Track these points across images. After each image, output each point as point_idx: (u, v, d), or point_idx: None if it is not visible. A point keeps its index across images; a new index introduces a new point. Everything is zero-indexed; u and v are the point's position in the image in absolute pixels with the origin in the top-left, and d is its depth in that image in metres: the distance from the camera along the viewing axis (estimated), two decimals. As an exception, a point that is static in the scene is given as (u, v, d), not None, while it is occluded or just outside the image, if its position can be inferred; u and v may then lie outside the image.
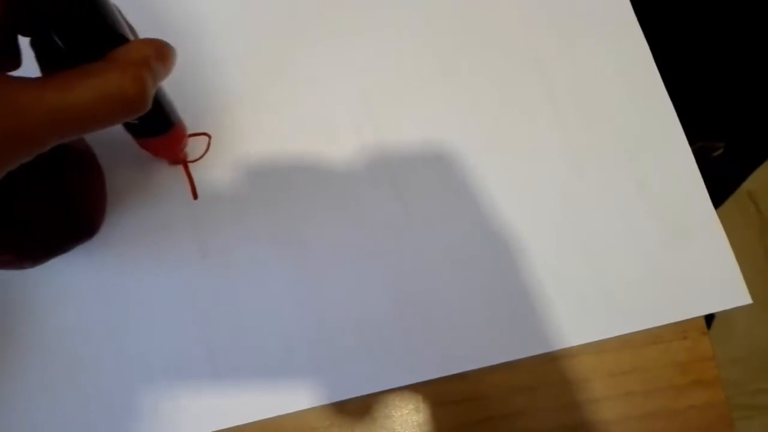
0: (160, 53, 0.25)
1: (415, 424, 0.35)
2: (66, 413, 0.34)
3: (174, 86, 0.32)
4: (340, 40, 0.40)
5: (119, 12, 0.26)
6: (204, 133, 0.38)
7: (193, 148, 0.37)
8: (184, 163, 0.37)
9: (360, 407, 0.35)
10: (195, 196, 0.37)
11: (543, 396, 0.36)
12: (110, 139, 0.36)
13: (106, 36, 0.25)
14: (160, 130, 0.32)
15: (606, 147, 0.38)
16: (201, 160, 0.37)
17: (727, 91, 1.06)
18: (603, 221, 0.37)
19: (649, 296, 0.36)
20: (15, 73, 0.23)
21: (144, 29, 0.28)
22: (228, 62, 0.39)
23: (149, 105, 0.24)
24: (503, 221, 0.37)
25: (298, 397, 0.35)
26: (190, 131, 0.36)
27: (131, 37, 0.26)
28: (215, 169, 0.37)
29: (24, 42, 0.25)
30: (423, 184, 0.37)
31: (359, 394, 0.35)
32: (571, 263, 0.36)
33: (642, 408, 0.36)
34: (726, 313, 0.36)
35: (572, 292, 0.36)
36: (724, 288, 0.36)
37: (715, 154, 1.09)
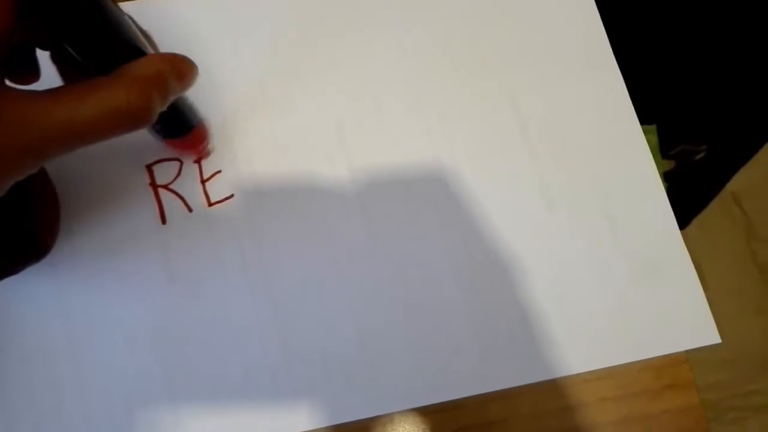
0: (177, 69, 0.26)
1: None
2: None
3: None
4: (317, 67, 0.40)
5: (133, 21, 0.26)
6: (175, 159, 0.38)
7: (164, 171, 0.38)
8: (154, 186, 0.37)
9: None
10: (164, 220, 0.37)
11: (518, 404, 0.36)
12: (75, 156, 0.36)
13: (119, 47, 0.25)
14: (181, 132, 0.33)
15: (579, 182, 0.39)
16: (171, 184, 0.38)
17: (708, 93, 1.07)
18: (574, 256, 0.37)
19: (617, 333, 0.36)
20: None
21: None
22: (206, 87, 0.39)
23: (153, 119, 0.25)
24: (474, 254, 0.37)
25: (256, 427, 0.34)
26: (162, 155, 0.36)
27: (146, 46, 0.26)
28: (185, 193, 0.38)
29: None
30: (393, 213, 0.38)
31: (319, 426, 0.35)
32: (541, 298, 0.37)
33: (616, 413, 0.36)
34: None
35: (540, 326, 0.36)
36: (694, 326, 0.36)
37: (698, 156, 1.10)
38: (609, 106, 0.40)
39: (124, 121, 0.23)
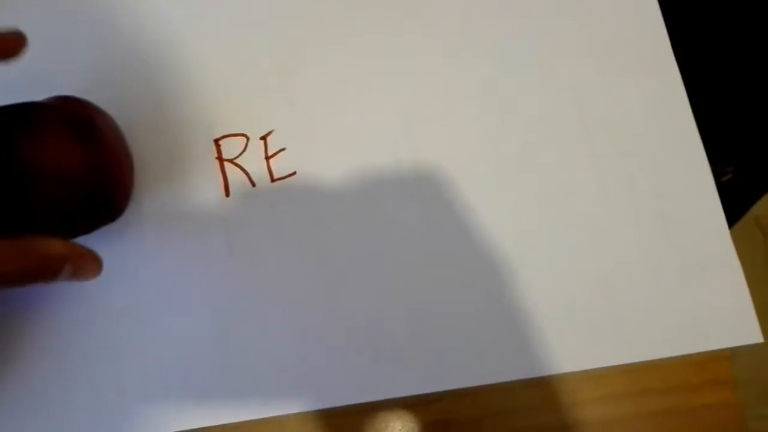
0: (78, 262, 0.29)
1: None
2: (78, 397, 0.35)
3: (219, 83, 0.34)
4: (383, 56, 0.42)
5: None
6: (242, 134, 0.39)
7: (231, 146, 0.39)
8: (221, 160, 0.39)
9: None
10: (227, 193, 0.39)
11: (561, 390, 0.37)
12: (146, 126, 0.38)
13: None
14: None
15: (634, 179, 0.40)
16: (237, 159, 0.39)
17: (738, 114, 1.07)
18: (625, 250, 0.38)
19: (661, 327, 0.37)
20: None
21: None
22: (271, 71, 0.41)
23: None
24: (527, 245, 0.38)
25: (303, 397, 0.36)
26: (231, 131, 0.38)
27: None
28: (250, 168, 0.39)
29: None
30: (450, 200, 0.39)
31: (346, 403, 0.36)
32: (591, 290, 0.38)
33: (657, 405, 0.37)
34: (735, 356, 0.38)
35: (586, 317, 0.37)
36: (737, 325, 0.37)
37: (725, 178, 1.11)
38: (666, 104, 0.41)
39: (11, 283, 0.27)
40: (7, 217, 0.30)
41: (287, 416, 0.36)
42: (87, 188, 0.32)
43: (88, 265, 0.30)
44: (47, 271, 0.28)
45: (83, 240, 0.34)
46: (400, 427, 0.36)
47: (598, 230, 0.39)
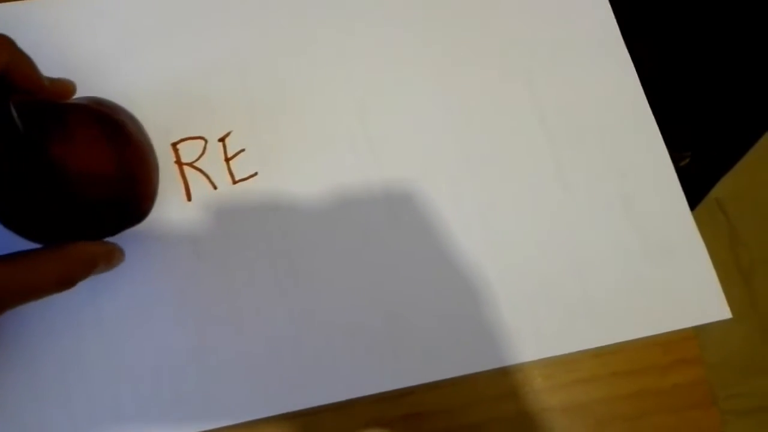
0: (108, 256, 0.32)
1: None
2: (50, 405, 0.35)
3: (174, 86, 0.34)
4: (338, 49, 0.42)
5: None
6: (200, 137, 0.39)
7: (189, 150, 0.39)
8: (180, 164, 0.38)
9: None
10: (189, 197, 0.38)
11: (533, 376, 0.37)
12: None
13: None
14: None
15: (593, 163, 0.40)
16: (197, 162, 0.38)
17: (694, 99, 1.09)
18: (588, 235, 0.39)
19: (630, 309, 0.38)
20: None
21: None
22: (226, 72, 0.40)
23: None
24: (491, 232, 0.38)
25: (279, 397, 0.35)
26: (188, 134, 0.37)
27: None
28: (210, 171, 0.38)
29: None
30: (414, 193, 0.39)
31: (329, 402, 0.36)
32: (555, 274, 0.38)
33: (628, 387, 0.37)
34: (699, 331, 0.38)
35: (556, 303, 0.37)
36: (705, 302, 0.38)
37: (682, 163, 1.13)
38: (621, 90, 0.42)
39: (58, 288, 0.29)
40: (39, 216, 0.30)
41: (262, 420, 0.35)
42: (117, 189, 0.31)
43: (117, 257, 0.33)
44: (86, 271, 0.30)
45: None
46: (373, 422, 0.36)
47: (561, 218, 0.39)
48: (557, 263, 0.38)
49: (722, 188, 1.12)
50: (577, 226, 0.39)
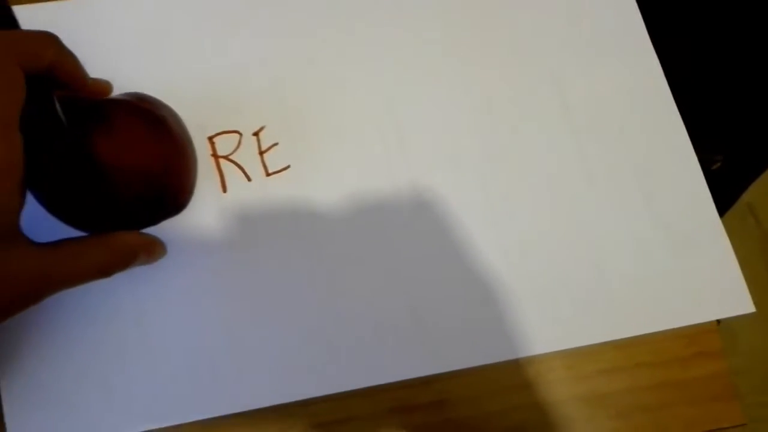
0: (149, 250, 0.33)
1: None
2: (87, 389, 0.36)
3: (211, 82, 0.37)
4: (367, 48, 0.43)
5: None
6: (235, 131, 0.40)
7: (225, 143, 0.40)
8: (216, 157, 0.40)
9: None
10: (224, 189, 0.39)
11: (556, 366, 0.38)
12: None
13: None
14: None
15: (618, 160, 0.41)
16: (232, 155, 0.40)
17: (725, 103, 1.09)
18: (612, 228, 0.40)
19: (652, 301, 0.38)
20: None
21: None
22: (261, 69, 0.42)
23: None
24: (517, 227, 0.40)
25: (309, 385, 0.37)
26: (224, 129, 0.39)
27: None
28: (245, 164, 0.40)
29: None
30: (441, 188, 0.40)
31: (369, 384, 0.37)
32: (580, 267, 0.39)
33: (651, 379, 0.38)
34: (729, 326, 0.39)
35: (579, 295, 0.38)
36: (728, 296, 0.39)
37: (714, 167, 1.12)
38: (647, 87, 0.43)
39: (99, 276, 0.30)
40: (82, 206, 0.31)
41: (292, 403, 0.37)
42: (158, 182, 0.33)
43: (158, 251, 0.34)
44: (127, 262, 0.31)
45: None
46: (399, 408, 0.37)
47: (587, 212, 0.40)
48: (581, 256, 0.39)
49: (754, 192, 1.10)
50: (601, 220, 0.40)
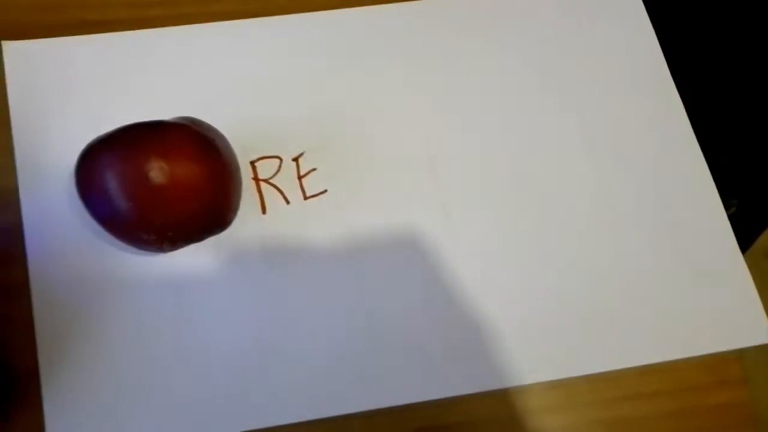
0: None
1: None
2: (128, 399, 0.37)
3: (254, 110, 0.40)
4: (405, 81, 0.45)
5: None
6: (276, 156, 0.42)
7: (266, 168, 0.42)
8: (257, 180, 0.42)
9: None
10: (264, 210, 0.41)
11: (581, 392, 0.39)
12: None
13: None
14: None
15: (640, 191, 0.43)
16: (272, 179, 0.42)
17: (741, 149, 1.10)
18: (636, 258, 0.41)
19: (673, 329, 0.40)
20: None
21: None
22: (301, 97, 0.44)
23: None
24: (539, 254, 0.41)
25: (339, 401, 0.38)
26: (265, 154, 0.41)
27: None
28: (284, 187, 0.42)
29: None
30: (470, 213, 0.42)
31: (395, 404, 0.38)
32: (604, 297, 0.40)
33: (673, 405, 0.39)
34: (749, 355, 0.40)
35: (602, 322, 0.40)
36: (748, 325, 0.40)
37: (729, 211, 1.13)
38: (668, 121, 0.45)
39: None
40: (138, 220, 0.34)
41: (322, 419, 0.38)
42: (208, 201, 0.35)
43: None
44: None
45: (128, 257, 0.38)
46: (425, 428, 0.38)
47: (611, 243, 0.41)
48: (604, 285, 0.40)
49: (770, 238, 1.11)
50: (623, 250, 0.41)
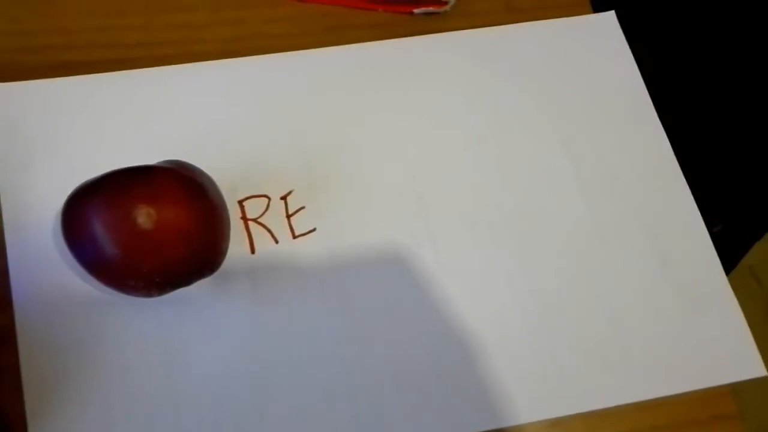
0: None
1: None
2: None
3: (240, 149, 0.40)
4: (389, 117, 0.46)
5: None
6: (264, 195, 0.42)
7: (254, 207, 0.42)
8: (245, 219, 0.41)
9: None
10: (253, 250, 0.41)
11: (573, 427, 0.39)
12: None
13: None
14: None
15: (627, 223, 0.43)
16: (260, 218, 0.42)
17: (724, 170, 1.11)
18: (624, 292, 0.41)
19: (664, 365, 0.40)
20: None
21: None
22: (287, 136, 0.44)
23: None
24: (530, 289, 0.41)
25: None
26: (253, 193, 0.41)
27: None
28: (272, 226, 0.42)
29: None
30: (460, 248, 0.42)
31: None
32: (593, 331, 0.40)
33: (668, 441, 0.39)
34: (738, 391, 0.40)
35: (593, 359, 0.40)
36: (739, 360, 0.40)
37: (715, 229, 1.14)
38: (652, 152, 0.45)
39: None
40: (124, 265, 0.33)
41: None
42: (198, 245, 0.35)
43: None
44: None
45: (116, 299, 0.37)
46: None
47: (598, 276, 0.41)
48: (592, 319, 0.40)
49: (755, 255, 1.12)
50: (612, 283, 0.41)
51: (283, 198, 0.42)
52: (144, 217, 0.33)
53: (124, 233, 0.33)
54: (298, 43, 0.47)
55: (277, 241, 0.41)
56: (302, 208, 0.42)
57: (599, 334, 0.40)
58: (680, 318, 0.40)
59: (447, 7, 0.48)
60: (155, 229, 0.33)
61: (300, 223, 0.42)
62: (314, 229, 0.42)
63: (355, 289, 0.40)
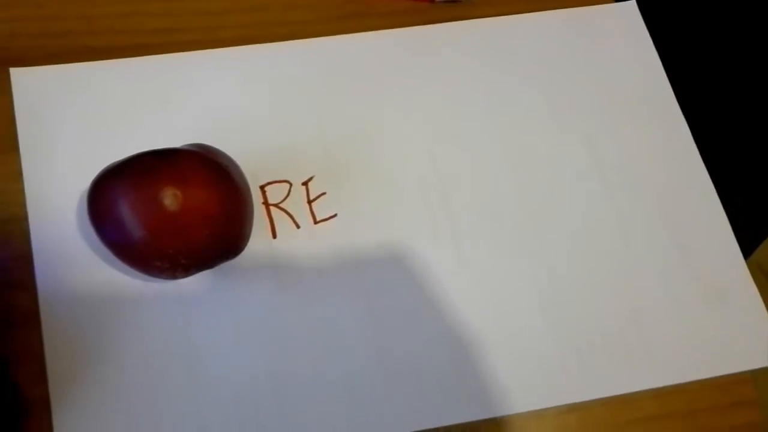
0: None
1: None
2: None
3: (263, 135, 0.40)
4: (411, 108, 0.46)
5: None
6: (286, 181, 0.42)
7: (276, 192, 0.42)
8: (267, 205, 0.42)
9: None
10: (274, 235, 0.41)
11: (595, 415, 0.39)
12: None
13: None
14: None
15: (650, 216, 0.43)
16: (282, 203, 0.42)
17: (732, 167, 1.11)
18: (648, 284, 0.42)
19: (686, 352, 0.40)
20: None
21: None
22: (315, 123, 0.44)
23: None
24: (556, 283, 0.41)
25: (353, 427, 0.37)
26: (275, 178, 0.41)
27: None
28: (294, 212, 0.42)
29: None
30: (481, 242, 0.42)
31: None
32: (620, 320, 0.41)
33: (686, 427, 0.39)
34: (757, 378, 0.40)
35: (615, 346, 0.40)
36: (759, 347, 0.40)
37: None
38: (673, 143, 0.46)
39: None
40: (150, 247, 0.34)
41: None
42: (222, 227, 0.35)
43: None
44: None
45: (139, 284, 0.37)
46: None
47: (622, 267, 0.42)
48: (616, 309, 0.41)
49: (763, 252, 1.12)
50: (635, 274, 0.42)
51: (305, 184, 0.43)
52: (170, 198, 0.33)
53: (150, 215, 0.33)
54: (319, 30, 0.47)
55: (298, 226, 0.41)
56: (323, 193, 0.42)
57: (620, 322, 0.40)
58: (700, 306, 0.40)
59: (467, -5, 0.49)
60: (181, 211, 0.33)
61: (321, 209, 0.42)
62: (335, 215, 0.42)
63: (374, 276, 0.41)
